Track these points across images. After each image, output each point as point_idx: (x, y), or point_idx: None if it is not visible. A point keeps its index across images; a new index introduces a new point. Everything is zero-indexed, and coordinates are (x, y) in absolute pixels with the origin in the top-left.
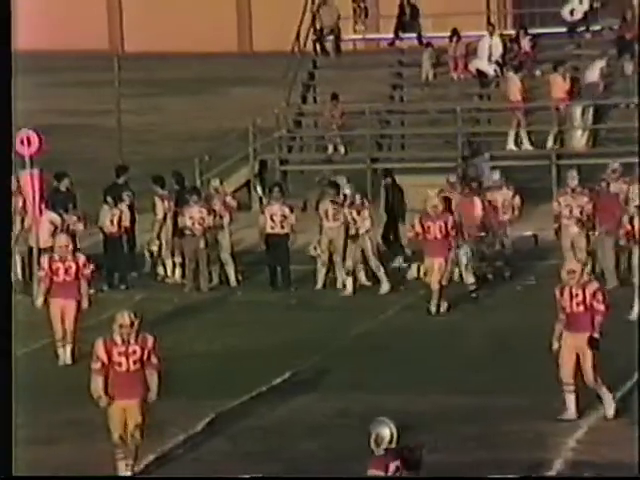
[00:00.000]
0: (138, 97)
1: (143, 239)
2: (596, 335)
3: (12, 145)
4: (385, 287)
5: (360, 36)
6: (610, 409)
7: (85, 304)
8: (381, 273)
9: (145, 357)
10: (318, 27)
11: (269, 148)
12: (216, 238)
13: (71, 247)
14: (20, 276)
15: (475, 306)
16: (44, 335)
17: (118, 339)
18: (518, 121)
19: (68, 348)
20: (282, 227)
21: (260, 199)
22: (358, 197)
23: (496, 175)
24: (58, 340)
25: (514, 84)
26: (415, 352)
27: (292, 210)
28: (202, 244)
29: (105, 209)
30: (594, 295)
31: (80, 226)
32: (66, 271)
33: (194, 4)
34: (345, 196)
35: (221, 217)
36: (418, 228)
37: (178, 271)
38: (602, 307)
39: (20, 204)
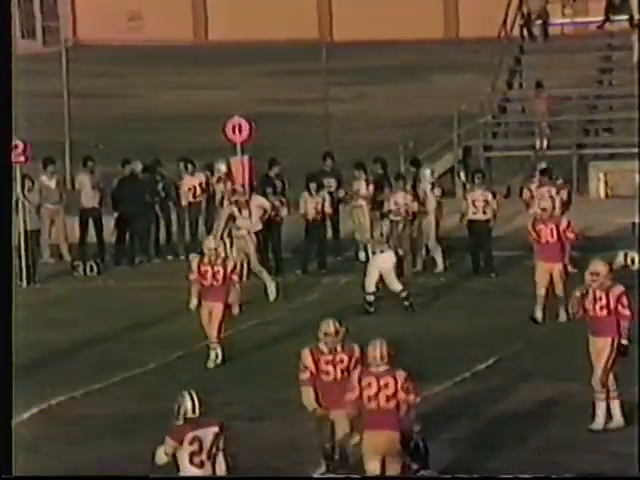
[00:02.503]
0: (345, 85)
1: (347, 224)
2: (624, 342)
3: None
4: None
5: (568, 20)
6: (599, 422)
7: (235, 311)
8: (264, 274)
9: (352, 366)
10: (525, 12)
11: (473, 134)
12: (421, 224)
13: (220, 251)
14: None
15: None
16: (254, 316)
17: (324, 348)
18: None
19: (216, 351)
20: (484, 213)
21: (463, 185)
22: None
23: None
24: (211, 342)
25: None
26: None
27: (494, 196)
28: (406, 229)
29: (306, 196)
30: (618, 299)
31: (284, 211)
32: (214, 275)
33: None
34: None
35: (425, 204)
36: (531, 231)
37: None
38: (627, 312)
39: (229, 188)
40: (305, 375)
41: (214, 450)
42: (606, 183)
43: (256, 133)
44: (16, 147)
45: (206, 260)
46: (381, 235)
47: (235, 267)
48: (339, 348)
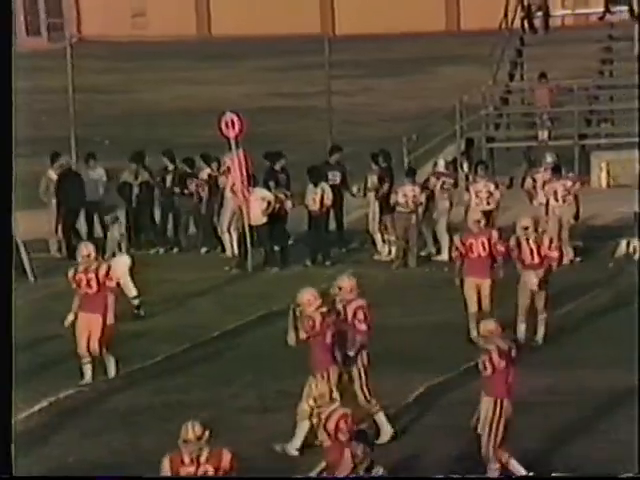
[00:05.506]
0: (348, 78)
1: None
2: (350, 353)
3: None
4: None
5: (569, 11)
6: (386, 434)
7: (110, 320)
8: None
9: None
10: (526, 4)
11: (476, 126)
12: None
13: (94, 256)
14: (236, 252)
15: None
16: (261, 307)
17: (186, 457)
18: None
19: (89, 366)
20: (487, 204)
21: (466, 177)
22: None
23: None
24: (81, 356)
25: None
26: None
27: (497, 187)
28: (414, 221)
29: (310, 188)
30: (355, 314)
31: (289, 204)
32: (88, 283)
33: None
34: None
35: (434, 195)
36: (460, 246)
37: (387, 248)
38: (363, 326)
39: (230, 184)
40: None
41: None
42: (608, 173)
43: (249, 127)
44: None
45: (81, 268)
46: (117, 236)
47: (108, 272)
48: (203, 458)
